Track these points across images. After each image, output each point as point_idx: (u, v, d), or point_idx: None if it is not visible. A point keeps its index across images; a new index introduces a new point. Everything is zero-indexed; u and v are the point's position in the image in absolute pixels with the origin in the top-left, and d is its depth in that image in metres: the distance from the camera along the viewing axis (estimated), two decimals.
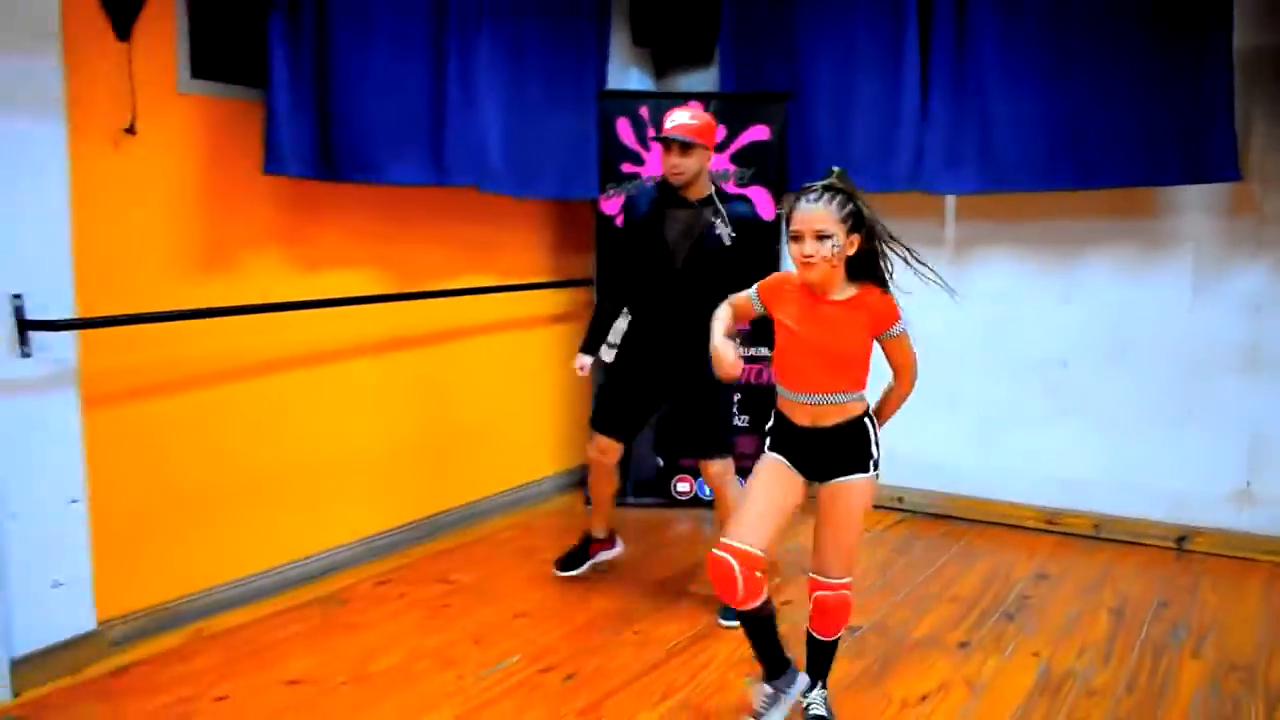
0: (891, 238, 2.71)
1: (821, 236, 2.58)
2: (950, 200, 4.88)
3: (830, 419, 2.72)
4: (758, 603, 2.72)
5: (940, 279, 2.84)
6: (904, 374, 2.83)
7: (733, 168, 4.92)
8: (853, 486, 2.74)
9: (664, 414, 3.95)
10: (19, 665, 3.11)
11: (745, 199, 3.86)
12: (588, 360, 3.90)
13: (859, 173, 4.74)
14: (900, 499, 5.09)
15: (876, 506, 5.06)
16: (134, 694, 3.11)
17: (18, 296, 3.05)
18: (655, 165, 4.87)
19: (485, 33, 4.28)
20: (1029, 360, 4.80)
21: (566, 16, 4.74)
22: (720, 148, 4.86)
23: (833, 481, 2.76)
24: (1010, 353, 4.85)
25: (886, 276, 2.71)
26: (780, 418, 2.82)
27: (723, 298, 3.00)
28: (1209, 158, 4.13)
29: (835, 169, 2.68)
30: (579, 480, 5.40)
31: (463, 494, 4.77)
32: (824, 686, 2.94)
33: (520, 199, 4.79)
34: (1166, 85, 4.20)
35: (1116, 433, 4.64)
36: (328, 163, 3.69)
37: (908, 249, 2.74)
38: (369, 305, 4.19)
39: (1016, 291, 4.80)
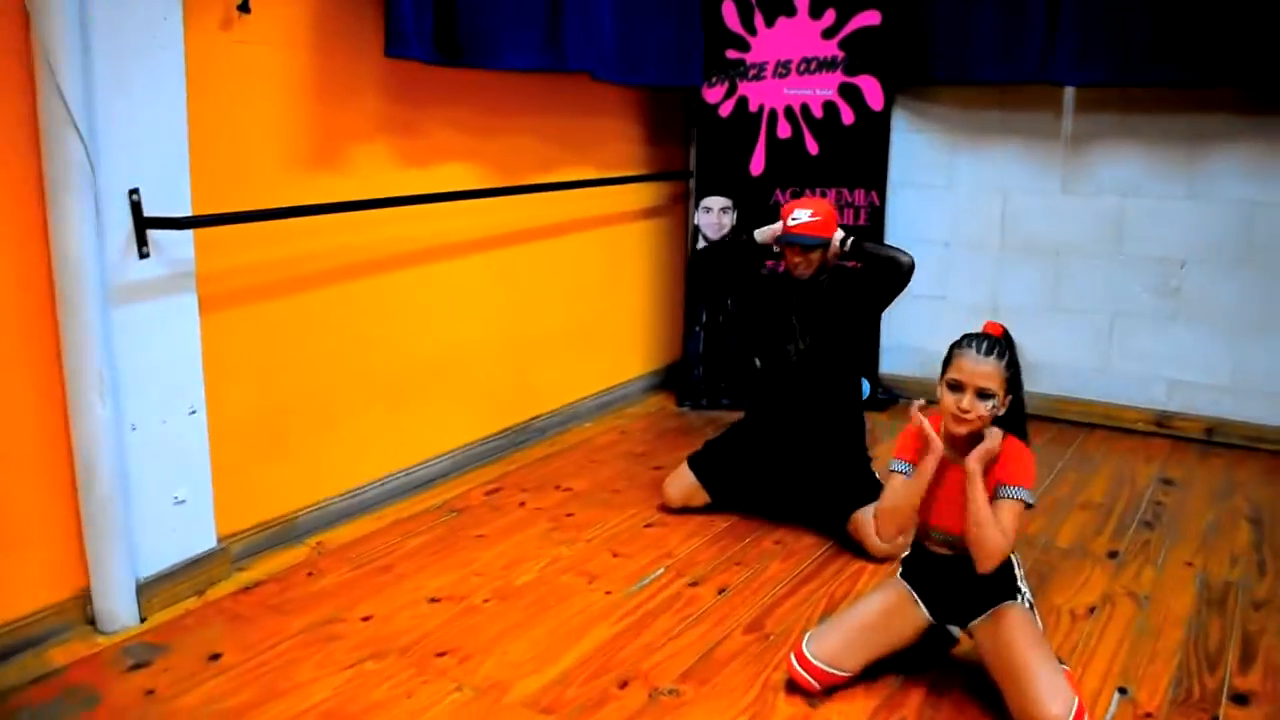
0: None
1: (984, 395, 2.39)
2: (1069, 92, 4.64)
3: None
4: None
5: None
6: (992, 528, 2.40)
7: (841, 55, 4.66)
8: (1012, 611, 2.50)
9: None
10: (145, 587, 2.93)
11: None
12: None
13: (982, 63, 4.57)
14: None
15: None
16: (271, 614, 2.95)
17: (135, 192, 2.81)
18: (761, 51, 4.62)
19: None
20: (1144, 259, 4.62)
21: None
22: (828, 34, 4.61)
23: (984, 616, 2.54)
24: (1125, 251, 4.66)
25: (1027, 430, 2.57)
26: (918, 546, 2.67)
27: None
28: None
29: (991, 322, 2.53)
30: (667, 379, 5.32)
31: (557, 397, 4.61)
32: None
33: (621, 87, 4.56)
34: None
35: (1234, 337, 4.49)
36: (449, 47, 3.42)
37: None
38: (469, 201, 3.95)
39: (1134, 187, 4.59)
